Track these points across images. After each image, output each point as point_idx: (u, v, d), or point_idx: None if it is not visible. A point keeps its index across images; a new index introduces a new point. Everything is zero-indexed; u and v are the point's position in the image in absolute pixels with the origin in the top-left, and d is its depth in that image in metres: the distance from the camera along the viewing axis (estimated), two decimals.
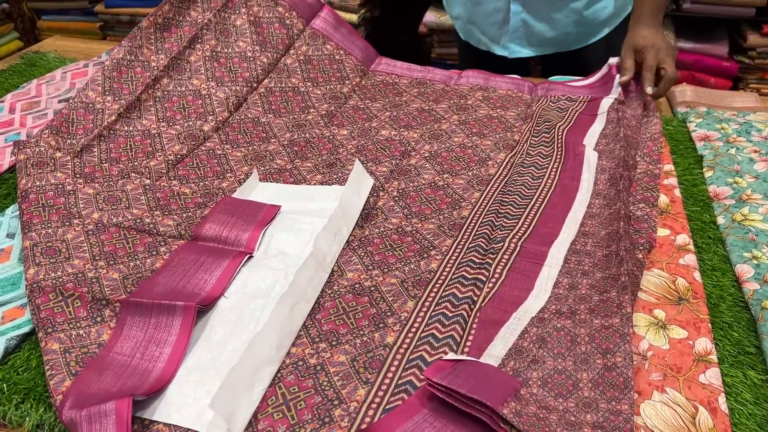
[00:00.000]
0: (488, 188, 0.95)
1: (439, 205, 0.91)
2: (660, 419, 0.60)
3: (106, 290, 0.73)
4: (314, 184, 0.96)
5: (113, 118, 1.02)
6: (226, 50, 1.19)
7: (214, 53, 1.18)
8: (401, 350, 0.67)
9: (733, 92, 1.26)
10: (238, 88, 1.15)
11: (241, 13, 1.25)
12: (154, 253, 0.80)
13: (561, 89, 1.23)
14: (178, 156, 1.01)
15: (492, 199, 0.92)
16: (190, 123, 1.07)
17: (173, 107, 1.09)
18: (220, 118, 1.10)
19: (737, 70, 2.22)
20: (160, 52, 1.14)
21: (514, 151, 1.03)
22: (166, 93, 1.10)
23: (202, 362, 0.66)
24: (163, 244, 0.82)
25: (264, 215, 0.85)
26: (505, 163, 1.00)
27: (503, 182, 0.96)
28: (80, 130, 0.99)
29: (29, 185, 0.86)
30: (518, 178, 0.95)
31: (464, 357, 0.63)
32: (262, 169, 0.99)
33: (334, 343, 0.68)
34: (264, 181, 0.97)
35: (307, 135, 1.09)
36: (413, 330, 0.69)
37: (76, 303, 0.71)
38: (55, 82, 1.30)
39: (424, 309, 0.72)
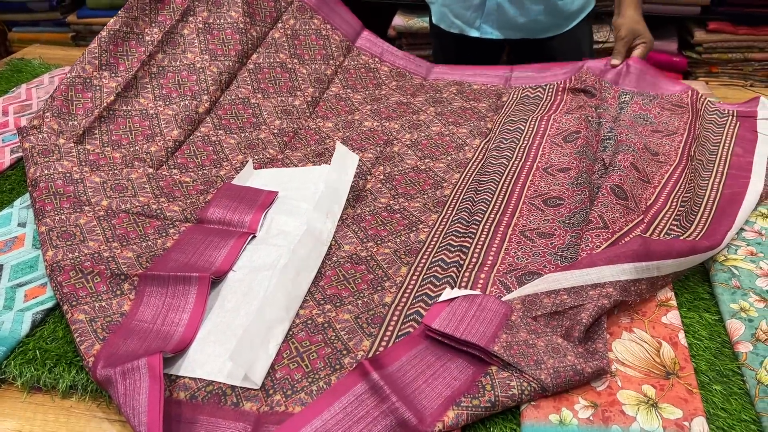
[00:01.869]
0: (466, 170, 1.03)
1: (422, 186, 0.99)
2: (629, 353, 0.69)
3: (122, 267, 0.79)
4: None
5: (111, 98, 1.06)
6: (218, 21, 1.22)
7: (206, 25, 1.21)
8: (399, 307, 0.74)
9: (687, 82, 1.37)
10: (230, 63, 1.19)
11: None
12: (164, 234, 0.86)
13: (527, 81, 1.33)
14: (176, 142, 1.06)
15: (471, 179, 1.00)
16: (186, 102, 1.11)
17: (169, 84, 1.13)
18: (213, 97, 1.15)
19: (686, 65, 2.36)
20: (153, 24, 1.16)
21: (488, 138, 1.12)
22: (161, 69, 1.14)
23: (218, 326, 0.73)
24: (171, 226, 0.88)
25: (263, 200, 0.91)
26: (480, 148, 1.09)
27: (480, 164, 1.04)
28: (80, 111, 1.04)
29: (38, 174, 0.91)
30: (493, 161, 1.03)
31: (457, 293, 0.71)
32: (256, 158, 1.06)
33: (338, 304, 0.75)
34: (258, 168, 1.03)
35: (295, 125, 1.16)
36: (408, 290, 0.77)
37: (96, 279, 0.76)
38: (44, 86, 1.34)
39: (417, 273, 0.80)
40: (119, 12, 1.15)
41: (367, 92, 1.29)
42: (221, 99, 1.16)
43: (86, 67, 1.08)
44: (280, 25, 1.29)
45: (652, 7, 2.29)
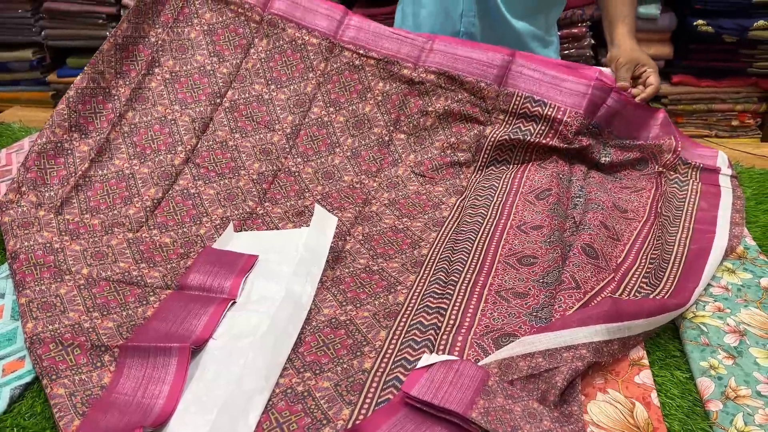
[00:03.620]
0: (443, 229, 1.05)
1: (401, 246, 1.01)
2: (604, 415, 0.70)
3: (103, 338, 0.79)
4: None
5: (86, 165, 1.07)
6: (185, 68, 1.22)
7: (173, 75, 1.21)
8: (378, 374, 0.75)
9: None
10: (202, 108, 1.19)
11: (194, 25, 1.26)
12: (145, 302, 0.87)
13: (526, 86, 1.20)
14: (155, 200, 1.07)
15: (447, 238, 1.02)
16: (161, 158, 1.12)
17: (142, 141, 1.13)
18: (189, 146, 1.15)
19: None
20: (119, 76, 1.17)
21: (463, 195, 1.15)
22: (133, 126, 1.14)
23: (199, 397, 0.73)
24: (151, 294, 0.89)
25: (244, 264, 0.93)
26: (456, 206, 1.12)
27: (456, 223, 1.07)
28: (55, 180, 1.04)
29: (17, 246, 0.92)
30: (469, 219, 1.06)
31: (435, 359, 0.72)
32: (236, 213, 1.07)
33: (317, 371, 0.76)
34: (238, 227, 1.04)
35: (274, 167, 1.16)
36: (387, 355, 0.78)
37: (76, 351, 0.77)
38: (24, 150, 1.35)
39: (396, 336, 0.81)
40: (85, 68, 1.15)
41: (350, 109, 1.24)
42: (198, 146, 1.16)
43: (56, 130, 1.08)
44: (252, 50, 1.26)
45: None
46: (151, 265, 0.94)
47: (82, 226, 0.99)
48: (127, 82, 1.17)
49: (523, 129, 1.20)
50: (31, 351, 0.77)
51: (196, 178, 1.12)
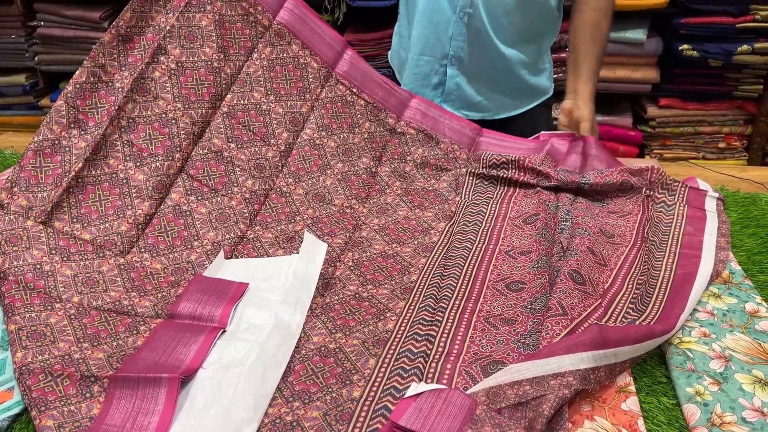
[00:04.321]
0: (432, 254, 1.06)
1: (390, 272, 1.02)
2: None
3: (93, 368, 0.79)
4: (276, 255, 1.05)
5: (80, 165, 1.01)
6: (191, 59, 1.15)
7: (179, 65, 1.14)
8: (367, 402, 0.76)
9: (638, 159, 1.45)
10: (203, 110, 1.15)
11: (206, 12, 1.18)
12: (135, 332, 0.87)
13: (494, 150, 1.32)
14: (147, 216, 1.04)
15: (437, 263, 1.03)
16: (157, 164, 1.07)
17: (139, 139, 1.08)
18: (186, 153, 1.11)
19: (642, 138, 2.48)
20: (123, 68, 1.10)
21: (452, 221, 1.16)
22: (131, 121, 1.08)
23: (187, 428, 0.73)
24: (142, 323, 0.89)
25: (234, 292, 0.93)
26: (445, 231, 1.13)
27: (445, 248, 1.08)
28: (49, 179, 0.99)
29: (7, 265, 0.90)
30: (458, 244, 1.07)
31: (423, 388, 0.72)
32: (227, 237, 1.06)
33: (306, 401, 0.76)
34: (229, 253, 1.05)
35: (266, 185, 1.16)
36: (376, 384, 0.78)
37: (65, 382, 0.77)
38: None
39: (385, 365, 0.81)
40: (84, 62, 1.08)
41: (341, 136, 1.26)
42: (193, 153, 1.12)
43: (53, 127, 1.02)
44: (255, 56, 1.22)
45: (608, 86, 2.42)
46: (142, 294, 0.94)
47: (73, 244, 0.96)
48: (131, 71, 1.10)
49: (497, 173, 1.27)
50: (20, 381, 0.77)
51: (189, 192, 1.09)
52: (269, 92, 1.22)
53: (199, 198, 1.10)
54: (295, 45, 1.25)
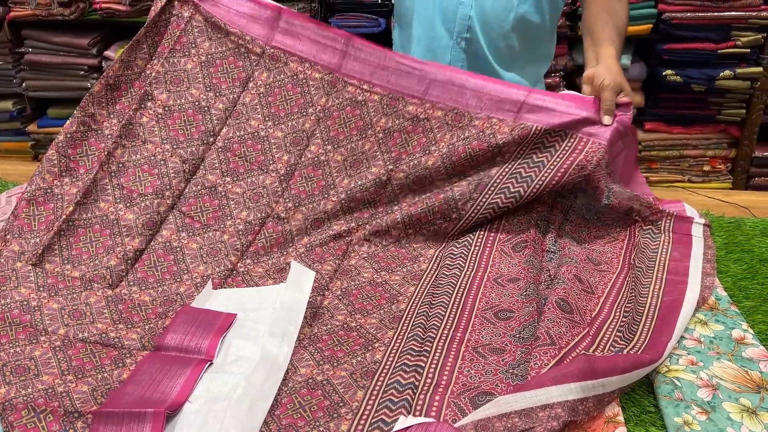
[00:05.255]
0: (421, 282, 1.06)
1: (379, 301, 1.02)
2: None
3: (76, 403, 0.78)
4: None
5: (71, 208, 1.04)
6: (179, 102, 1.17)
7: (166, 109, 1.16)
8: None
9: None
10: (193, 149, 1.15)
11: (191, 55, 1.20)
12: (121, 365, 0.86)
13: (544, 119, 1.11)
14: (137, 251, 1.05)
15: (425, 291, 1.03)
16: (147, 203, 1.08)
17: (129, 182, 1.10)
18: (177, 191, 1.11)
19: None
20: (112, 115, 1.13)
21: (442, 245, 1.16)
22: (120, 165, 1.11)
23: None
24: (128, 356, 0.88)
25: (221, 324, 0.93)
26: (434, 258, 1.13)
27: (434, 276, 1.07)
28: (42, 226, 1.02)
29: None
30: (446, 271, 1.07)
31: (411, 421, 0.72)
32: (217, 270, 1.06)
33: None
34: (218, 285, 1.04)
35: (263, 213, 1.12)
36: (364, 417, 0.78)
37: (49, 418, 0.75)
38: (1, 206, 1.35)
39: (373, 397, 0.81)
40: (74, 112, 1.11)
41: (349, 147, 1.18)
42: (186, 191, 1.12)
43: (46, 176, 1.06)
44: (251, 84, 1.20)
45: None
46: (129, 326, 0.93)
47: (62, 281, 0.98)
48: (120, 118, 1.13)
49: (536, 160, 1.12)
50: (3, 417, 0.76)
51: (180, 228, 1.10)
52: (267, 118, 1.19)
53: (191, 234, 1.10)
54: (292, 63, 1.21)
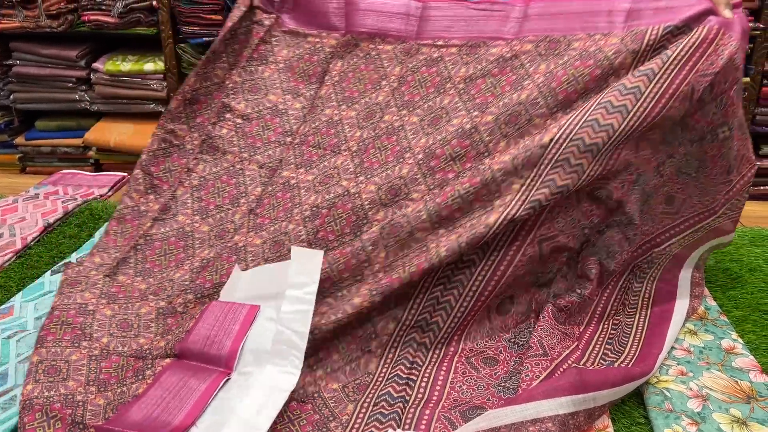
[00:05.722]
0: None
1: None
2: None
3: (87, 414, 0.79)
4: None
5: (149, 223, 1.07)
6: (256, 109, 1.16)
7: (244, 118, 1.16)
8: None
9: None
10: (270, 152, 1.13)
11: (269, 63, 1.19)
12: (140, 377, 0.87)
13: (660, 17, 0.94)
14: (204, 261, 1.03)
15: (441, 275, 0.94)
16: (222, 215, 1.08)
17: (208, 195, 1.11)
18: (252, 196, 1.10)
19: None
20: (193, 129, 1.14)
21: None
22: (202, 179, 1.12)
23: None
24: (149, 367, 0.88)
25: (245, 319, 0.89)
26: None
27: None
28: (126, 241, 1.05)
29: (57, 303, 0.96)
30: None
31: None
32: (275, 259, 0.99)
33: None
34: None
35: (332, 194, 1.02)
36: (354, 430, 0.77)
37: (57, 425, 0.77)
38: None
39: (363, 410, 0.80)
40: (155, 130, 1.14)
41: (426, 105, 1.07)
42: (261, 194, 1.09)
43: (132, 195, 1.10)
44: (326, 78, 1.17)
45: None
46: (165, 335, 0.94)
47: (123, 291, 1.00)
48: (199, 133, 1.15)
49: (644, 69, 0.90)
50: (20, 414, 0.78)
51: (250, 229, 1.06)
52: (341, 102, 1.14)
53: (257, 231, 1.05)
54: (362, 42, 1.17)
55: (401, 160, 1.02)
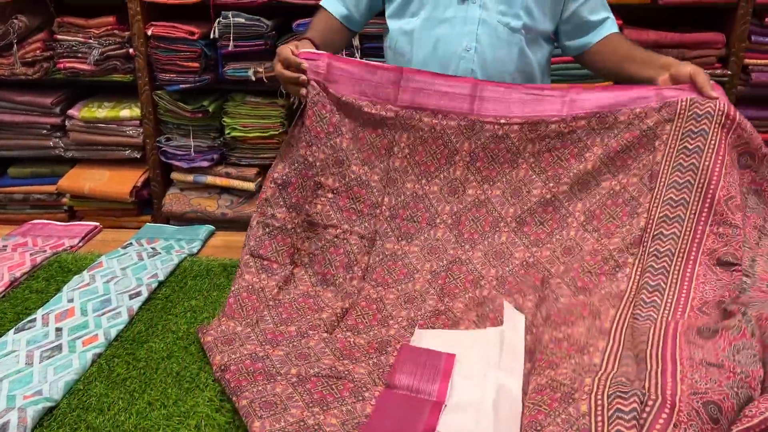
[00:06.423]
0: (622, 304, 1.03)
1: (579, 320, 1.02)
2: None
3: None
4: (470, 321, 1.05)
5: (275, 291, 1.11)
6: (344, 181, 1.22)
7: (335, 192, 1.21)
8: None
9: None
10: (366, 224, 1.21)
11: (343, 134, 1.22)
12: (360, 398, 0.88)
13: (683, 93, 1.17)
14: (343, 309, 1.10)
15: (627, 315, 1.00)
16: (340, 280, 1.15)
17: (322, 268, 1.17)
18: (363, 263, 1.18)
19: None
20: (291, 210, 1.18)
21: (640, 249, 1.09)
22: (311, 256, 1.18)
23: None
24: (365, 390, 0.89)
25: (445, 365, 0.93)
26: (632, 275, 1.07)
27: (633, 300, 1.02)
28: (249, 312, 1.08)
29: (226, 359, 0.95)
30: (647, 297, 1.01)
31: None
32: (419, 313, 1.09)
33: None
34: (425, 326, 1.06)
35: (445, 261, 1.17)
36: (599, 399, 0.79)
37: None
38: None
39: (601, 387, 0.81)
40: (254, 216, 1.21)
41: (504, 179, 1.21)
42: (370, 262, 1.18)
43: (245, 277, 1.15)
44: (396, 149, 1.24)
45: None
46: (353, 362, 0.96)
47: (279, 335, 1.02)
48: (298, 212, 1.20)
49: (696, 129, 1.12)
50: None
51: (376, 285, 1.15)
52: (420, 177, 1.23)
53: (385, 287, 1.14)
54: (425, 117, 1.23)
55: (497, 228, 1.19)
